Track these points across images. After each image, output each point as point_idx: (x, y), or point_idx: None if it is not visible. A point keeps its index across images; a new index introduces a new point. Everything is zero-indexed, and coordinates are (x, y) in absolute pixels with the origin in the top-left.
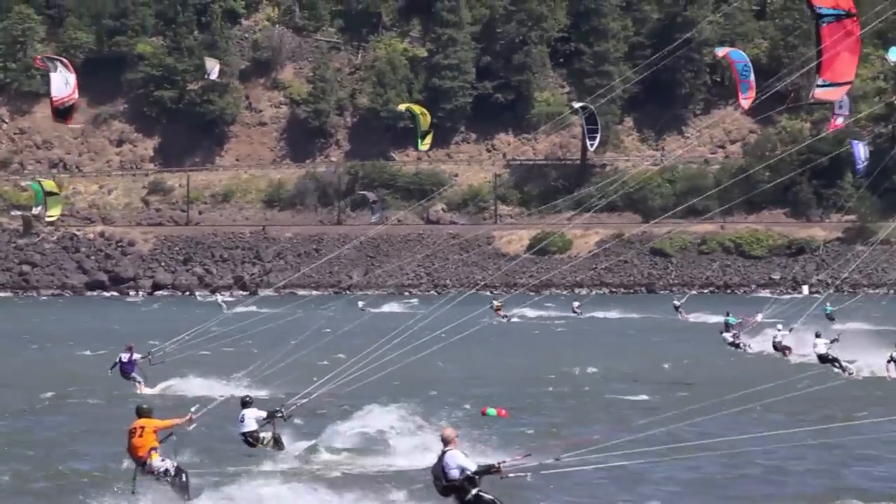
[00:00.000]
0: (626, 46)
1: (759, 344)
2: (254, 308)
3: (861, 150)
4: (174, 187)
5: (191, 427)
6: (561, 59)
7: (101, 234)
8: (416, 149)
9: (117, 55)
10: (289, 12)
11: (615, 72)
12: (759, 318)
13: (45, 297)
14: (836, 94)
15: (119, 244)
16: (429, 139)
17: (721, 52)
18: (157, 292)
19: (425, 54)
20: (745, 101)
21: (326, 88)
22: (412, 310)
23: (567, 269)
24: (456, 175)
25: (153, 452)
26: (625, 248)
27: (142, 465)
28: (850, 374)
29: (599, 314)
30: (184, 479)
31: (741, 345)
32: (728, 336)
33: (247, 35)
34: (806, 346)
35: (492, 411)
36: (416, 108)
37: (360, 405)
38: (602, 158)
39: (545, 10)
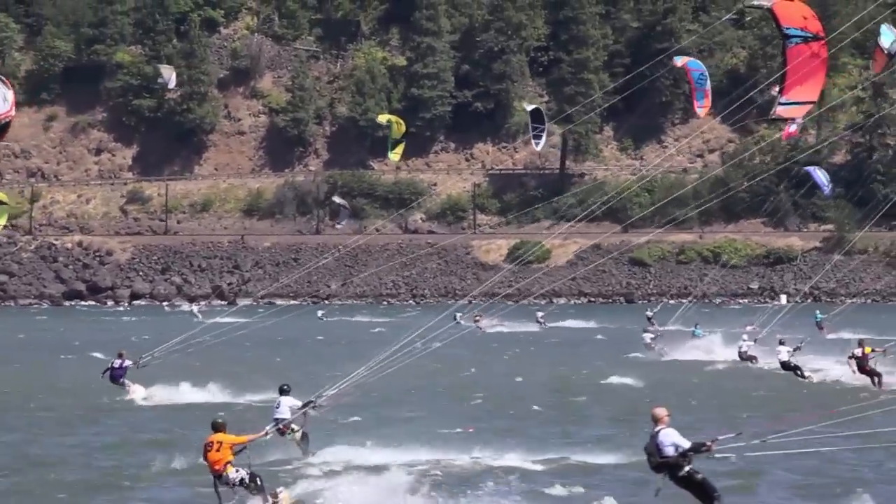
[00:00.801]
0: (605, 55)
1: (731, 353)
2: (228, 318)
3: (820, 176)
4: (152, 196)
5: (267, 438)
6: (540, 68)
7: (79, 244)
8: (388, 158)
9: (96, 64)
10: (268, 21)
11: (594, 80)
12: (750, 328)
13: (16, 308)
14: (798, 112)
15: (97, 253)
16: (400, 149)
17: (680, 61)
18: (135, 302)
19: (404, 63)
20: (701, 109)
21: (305, 97)
22: (374, 318)
23: (545, 278)
24: (435, 184)
25: (228, 466)
26: (603, 258)
27: (218, 477)
28: (811, 382)
29: (565, 324)
30: (258, 482)
31: (657, 349)
32: (647, 337)
33: (225, 44)
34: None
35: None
36: (394, 119)
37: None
38: (581, 168)
39: (524, 18)
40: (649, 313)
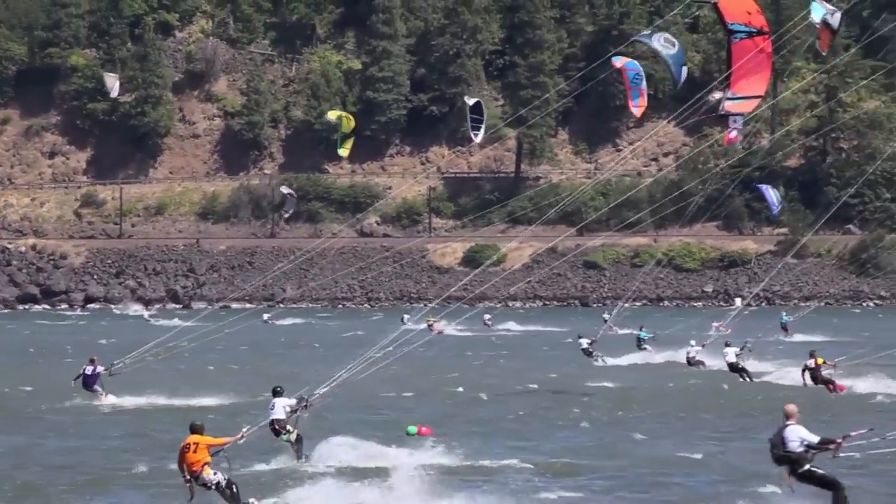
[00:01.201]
0: (560, 59)
1: (665, 357)
2: (177, 321)
3: (772, 195)
4: (107, 200)
5: (241, 442)
6: (495, 72)
7: (33, 247)
8: (337, 153)
9: (50, 67)
10: (222, 24)
11: (549, 84)
12: (720, 327)
13: None
14: (747, 107)
15: (51, 257)
16: (349, 144)
17: (619, 62)
18: (88, 305)
19: (360, 67)
20: (637, 108)
21: (260, 101)
22: (319, 321)
23: (501, 281)
24: (390, 188)
25: (206, 467)
26: (558, 261)
27: (195, 478)
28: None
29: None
30: (234, 490)
31: (594, 355)
32: (584, 342)
33: (180, 47)
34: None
35: (412, 429)
36: (343, 114)
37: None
38: (536, 171)
39: (479, 22)
40: (606, 316)
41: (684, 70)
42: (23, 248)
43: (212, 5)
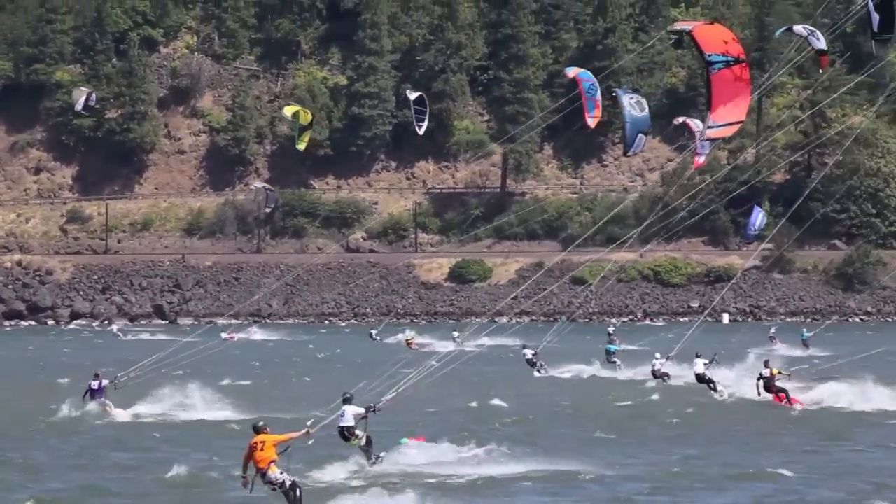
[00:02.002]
0: (545, 74)
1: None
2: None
3: (757, 216)
4: (93, 216)
5: (309, 441)
6: (480, 87)
7: (19, 263)
8: (296, 147)
9: (35, 83)
10: (208, 40)
11: (534, 99)
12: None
13: None
14: (727, 133)
15: (37, 273)
16: (307, 137)
17: (571, 72)
18: (75, 322)
19: (345, 82)
20: (592, 119)
21: (246, 116)
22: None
23: (487, 297)
24: (376, 203)
25: (272, 465)
26: (545, 277)
27: (262, 475)
28: (721, 398)
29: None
30: (298, 493)
31: (538, 365)
32: (528, 353)
33: (165, 63)
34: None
35: (404, 440)
36: (301, 109)
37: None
38: (522, 187)
39: (464, 38)
40: (611, 329)
41: (642, 139)
42: (8, 264)
43: (197, 21)
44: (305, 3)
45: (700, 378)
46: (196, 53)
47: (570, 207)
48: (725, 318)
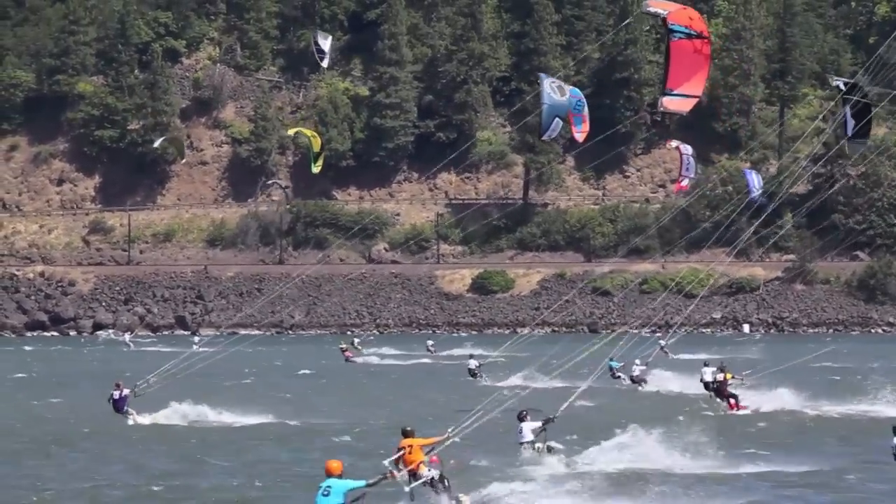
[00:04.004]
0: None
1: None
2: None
3: (753, 179)
4: (115, 227)
5: (448, 442)
6: (502, 98)
7: (42, 274)
8: (311, 171)
9: (58, 94)
10: (230, 51)
11: None
12: None
13: None
14: (684, 105)
15: (59, 284)
16: (320, 162)
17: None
18: (97, 332)
19: (367, 93)
20: (580, 134)
21: (268, 127)
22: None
23: (509, 308)
24: (398, 214)
25: (421, 465)
26: (567, 287)
27: (412, 475)
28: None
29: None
30: (446, 483)
31: (479, 376)
32: (472, 363)
33: (188, 74)
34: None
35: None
36: (307, 132)
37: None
38: (544, 198)
39: (487, 49)
40: (662, 342)
41: (558, 123)
42: (31, 275)
43: (219, 32)
44: (327, 15)
45: (707, 386)
46: (218, 65)
47: (591, 218)
48: (746, 328)
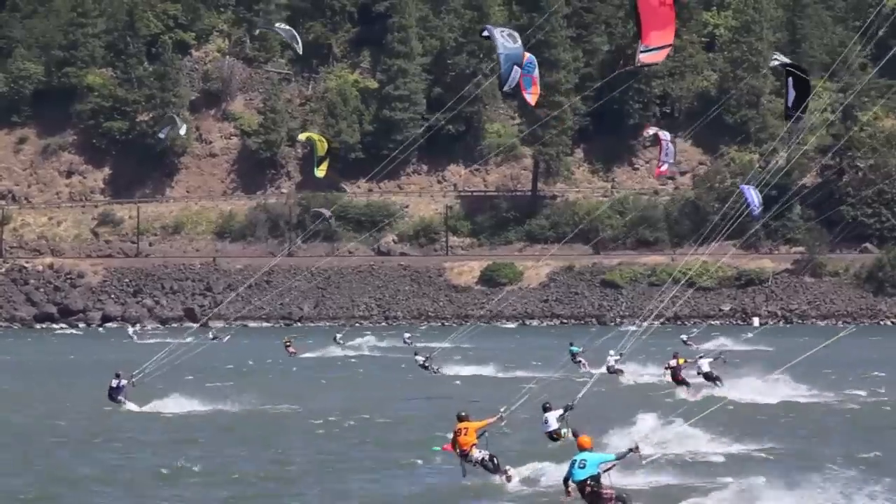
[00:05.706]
0: (576, 78)
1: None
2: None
3: (752, 195)
4: (124, 219)
5: (502, 423)
6: (511, 91)
7: (51, 266)
8: (315, 175)
9: (66, 86)
10: (239, 43)
11: (565, 103)
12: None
13: None
14: (659, 57)
15: (68, 276)
16: (325, 166)
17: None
18: (106, 324)
19: (376, 86)
20: (530, 96)
21: (277, 119)
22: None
23: (518, 299)
24: (407, 206)
25: (473, 447)
26: (575, 280)
27: (464, 456)
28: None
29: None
30: (496, 461)
31: (430, 368)
32: (420, 359)
33: (197, 66)
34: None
35: (436, 448)
36: (315, 136)
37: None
38: (553, 189)
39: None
40: (684, 337)
41: (517, 71)
42: (40, 267)
43: (228, 24)
44: (336, 7)
45: (707, 376)
46: (227, 57)
47: (600, 210)
48: (756, 321)
